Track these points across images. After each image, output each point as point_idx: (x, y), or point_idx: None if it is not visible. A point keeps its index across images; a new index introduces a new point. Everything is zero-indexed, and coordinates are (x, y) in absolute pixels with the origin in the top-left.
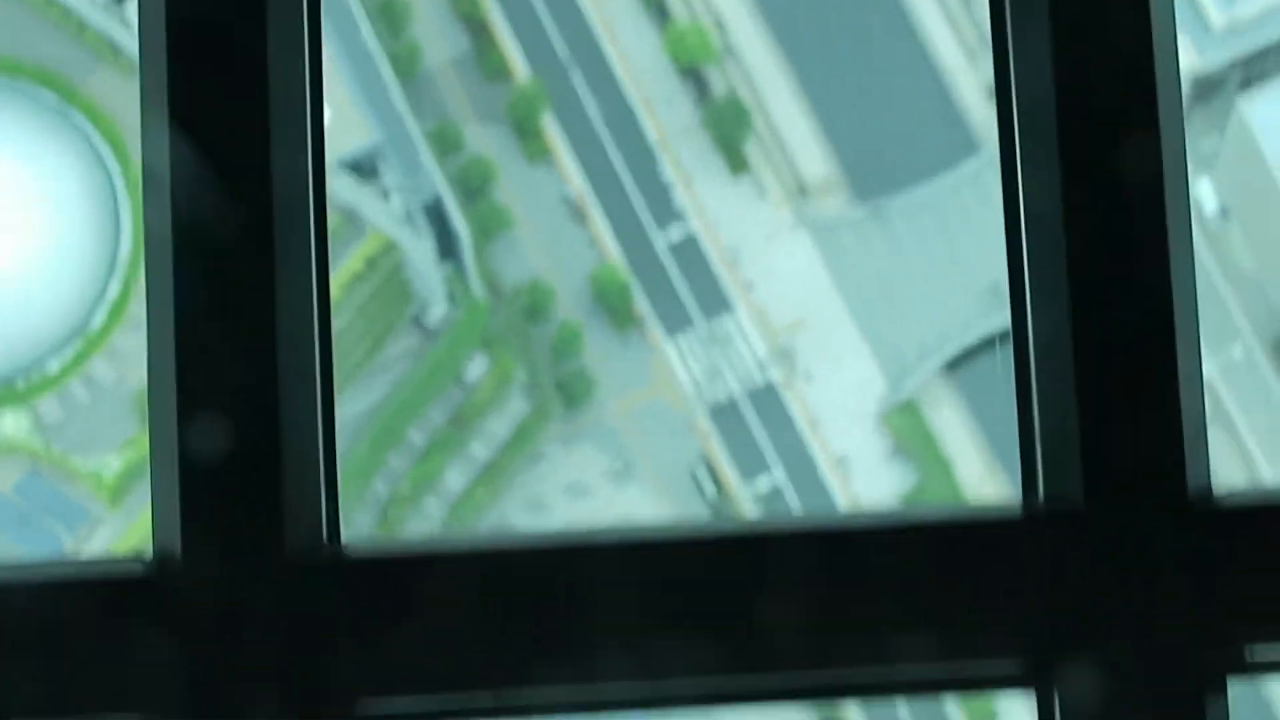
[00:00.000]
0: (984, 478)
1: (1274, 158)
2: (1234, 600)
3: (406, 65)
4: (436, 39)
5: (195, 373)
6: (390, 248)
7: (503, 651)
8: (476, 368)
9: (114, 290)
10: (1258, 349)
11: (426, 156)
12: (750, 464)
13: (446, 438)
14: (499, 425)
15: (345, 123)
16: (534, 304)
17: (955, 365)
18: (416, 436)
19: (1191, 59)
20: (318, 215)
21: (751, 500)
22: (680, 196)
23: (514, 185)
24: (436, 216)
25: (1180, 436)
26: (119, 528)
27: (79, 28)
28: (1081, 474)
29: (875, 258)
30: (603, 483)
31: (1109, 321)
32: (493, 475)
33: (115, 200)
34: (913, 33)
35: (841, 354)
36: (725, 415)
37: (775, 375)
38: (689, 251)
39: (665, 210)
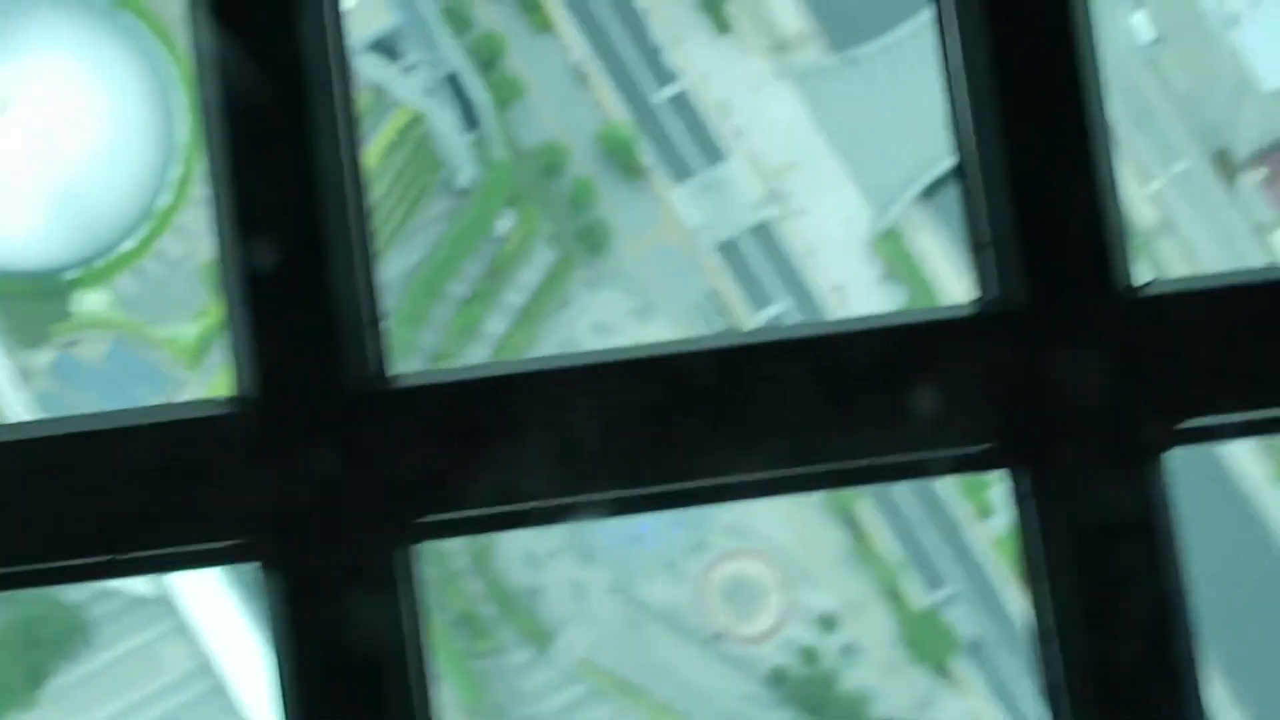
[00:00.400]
0: (965, 293)
1: None
2: (1163, 377)
3: None
4: None
5: (256, 236)
6: (418, 119)
7: (543, 465)
8: (505, 224)
9: (176, 172)
10: (1199, 162)
11: (442, 34)
12: (757, 296)
13: (484, 289)
14: (529, 274)
15: (368, 7)
16: (551, 163)
17: (930, 193)
18: (456, 289)
19: None
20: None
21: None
22: (671, 57)
23: (523, 56)
24: (456, 89)
25: (1106, 236)
26: (199, 389)
27: None
28: (1026, 274)
29: (852, 101)
30: (627, 321)
31: (1039, 142)
32: (527, 320)
33: (169, 90)
34: None
35: (829, 190)
36: (730, 252)
37: (771, 213)
38: (683, 106)
39: (659, 70)
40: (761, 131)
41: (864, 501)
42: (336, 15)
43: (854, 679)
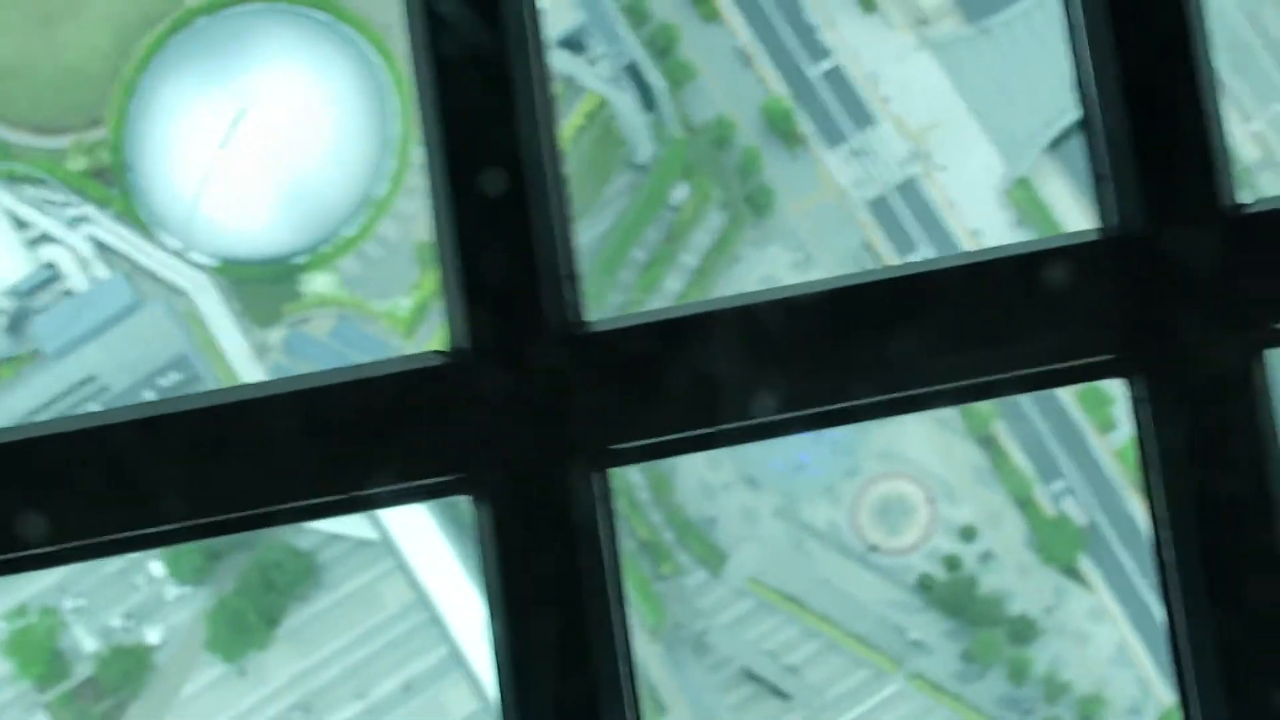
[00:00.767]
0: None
1: None
2: (1264, 286)
3: None
4: None
5: (467, 207)
6: (602, 104)
7: (718, 393)
8: (680, 193)
9: (392, 165)
10: None
11: (622, 28)
12: (903, 245)
13: (662, 252)
14: (702, 237)
15: (556, 8)
16: (720, 136)
17: (1057, 145)
18: (638, 255)
19: None
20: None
21: None
22: (824, 36)
23: (694, 43)
24: (636, 75)
25: (1212, 165)
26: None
27: None
28: (1141, 202)
29: (986, 66)
30: (790, 273)
31: (1152, 87)
32: (701, 278)
33: (385, 92)
34: None
35: (967, 147)
36: (880, 207)
37: (916, 170)
38: (836, 79)
39: (814, 48)
40: (906, 98)
41: (998, 423)
42: (534, 11)
43: (992, 583)
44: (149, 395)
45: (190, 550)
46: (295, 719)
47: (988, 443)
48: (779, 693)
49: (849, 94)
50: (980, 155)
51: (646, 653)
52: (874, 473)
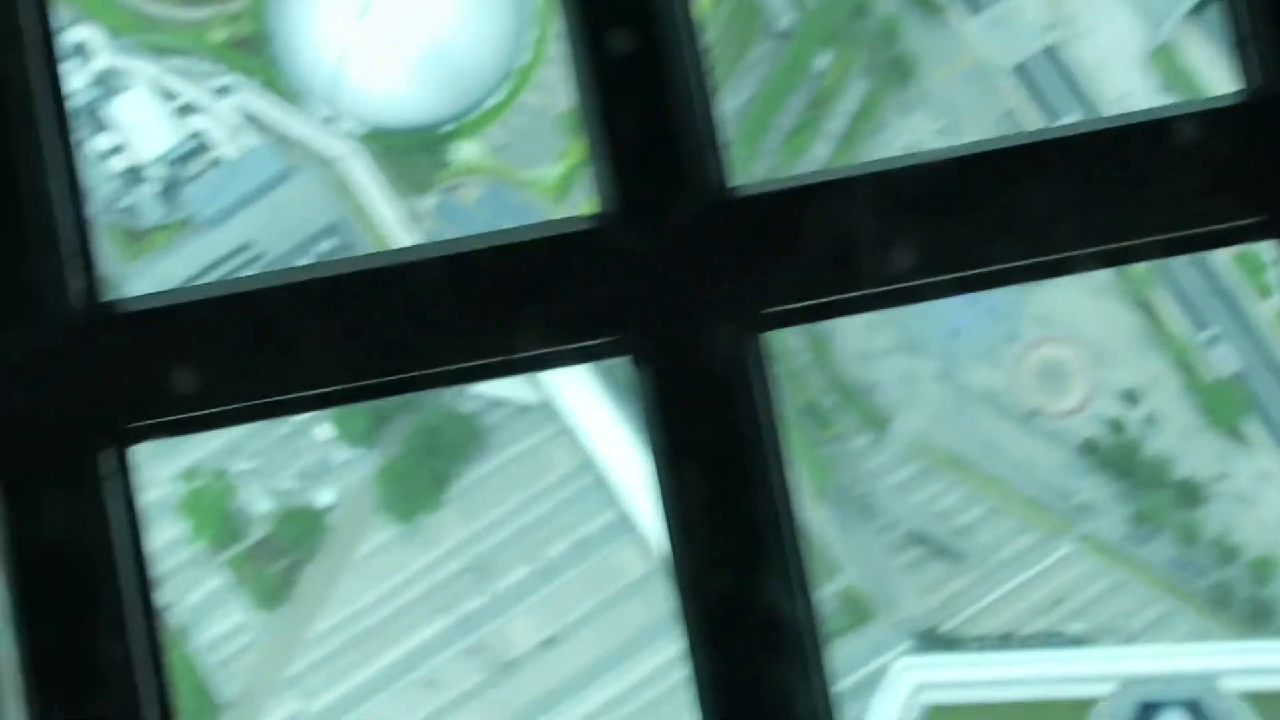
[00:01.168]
0: None
1: None
2: None
3: None
4: None
5: (611, 75)
6: None
7: (868, 254)
8: (823, 61)
9: (534, 33)
10: None
11: None
12: (1048, 111)
13: (807, 119)
14: (847, 104)
15: None
16: (860, 3)
17: (1198, 10)
18: (782, 121)
19: None
20: None
21: None
22: None
23: None
24: None
25: None
26: None
27: None
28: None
29: None
30: (935, 139)
31: None
32: (847, 144)
33: None
34: None
35: (1109, 12)
36: (1024, 73)
37: (1059, 35)
38: None
39: None
40: None
41: (1155, 288)
42: None
43: (1156, 445)
44: (305, 262)
45: (357, 413)
46: (467, 581)
47: (1145, 307)
48: (949, 554)
49: None
50: (1122, 21)
51: (814, 516)
52: (1033, 337)
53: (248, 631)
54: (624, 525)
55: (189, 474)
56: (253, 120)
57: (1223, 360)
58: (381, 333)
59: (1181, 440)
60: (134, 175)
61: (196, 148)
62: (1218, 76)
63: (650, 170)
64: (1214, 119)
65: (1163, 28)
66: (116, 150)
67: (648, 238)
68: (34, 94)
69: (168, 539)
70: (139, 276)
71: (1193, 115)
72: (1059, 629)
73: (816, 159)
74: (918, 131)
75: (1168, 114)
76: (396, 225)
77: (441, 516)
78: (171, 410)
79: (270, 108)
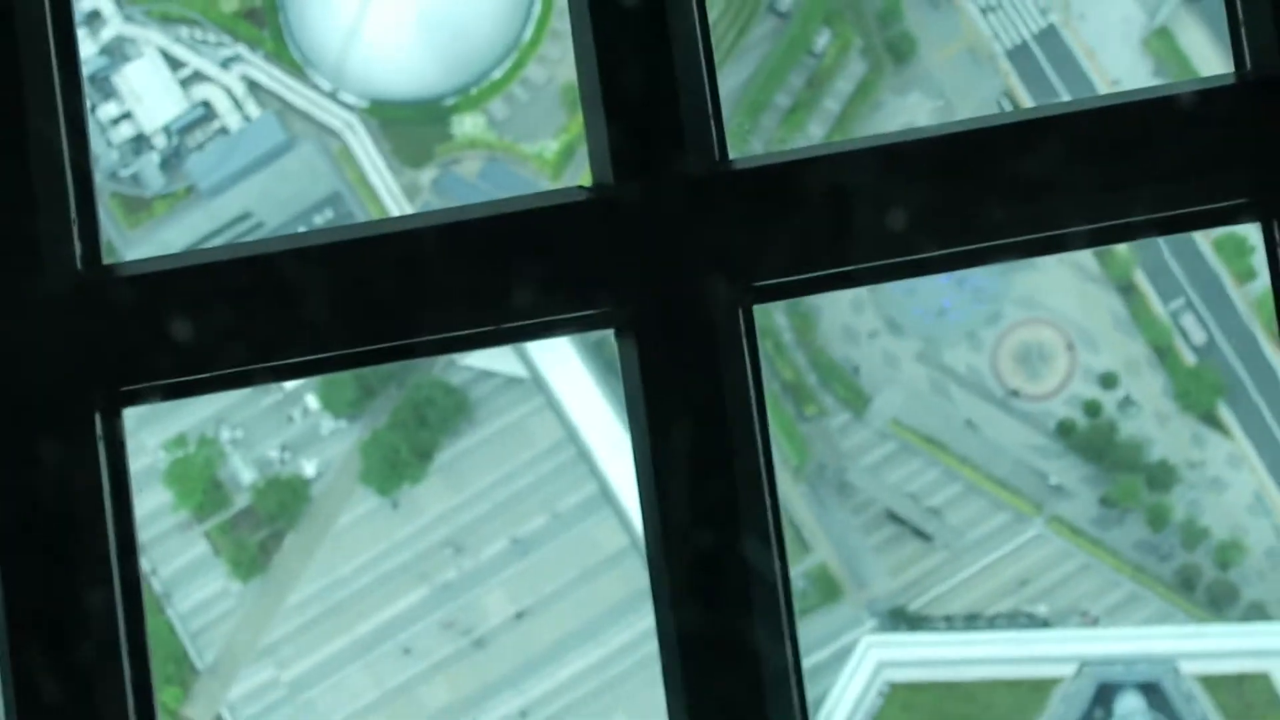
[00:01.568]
0: None
1: None
2: None
3: None
4: None
5: (611, 50)
6: None
7: (859, 228)
8: (822, 40)
9: (538, 9)
10: None
11: None
12: (1045, 93)
13: (805, 97)
14: (844, 84)
15: None
16: None
17: None
18: (781, 100)
19: None
20: None
21: None
22: None
23: None
24: None
25: None
26: None
27: None
28: (1278, 47)
29: None
30: (930, 120)
31: None
32: (844, 123)
33: None
34: None
35: None
36: (1020, 55)
37: (1056, 18)
38: None
39: None
40: None
41: (1138, 271)
42: None
43: (1132, 428)
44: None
45: (344, 384)
46: (446, 555)
47: (1127, 291)
48: (921, 534)
49: None
50: (1119, 4)
51: (791, 492)
52: (1015, 319)
53: (227, 599)
54: (603, 500)
55: (175, 442)
56: (258, 90)
57: (1195, 332)
58: (375, 299)
59: (1156, 424)
60: (139, 143)
61: (202, 117)
62: (1213, 61)
63: (646, 145)
64: (1207, 101)
65: (1159, 12)
66: (123, 118)
67: (641, 209)
68: (47, 63)
69: (153, 506)
70: (140, 244)
71: (1186, 96)
72: (1024, 610)
73: (813, 138)
74: (914, 111)
75: (1159, 94)
76: (396, 197)
77: (424, 488)
78: (165, 373)
79: (275, 79)
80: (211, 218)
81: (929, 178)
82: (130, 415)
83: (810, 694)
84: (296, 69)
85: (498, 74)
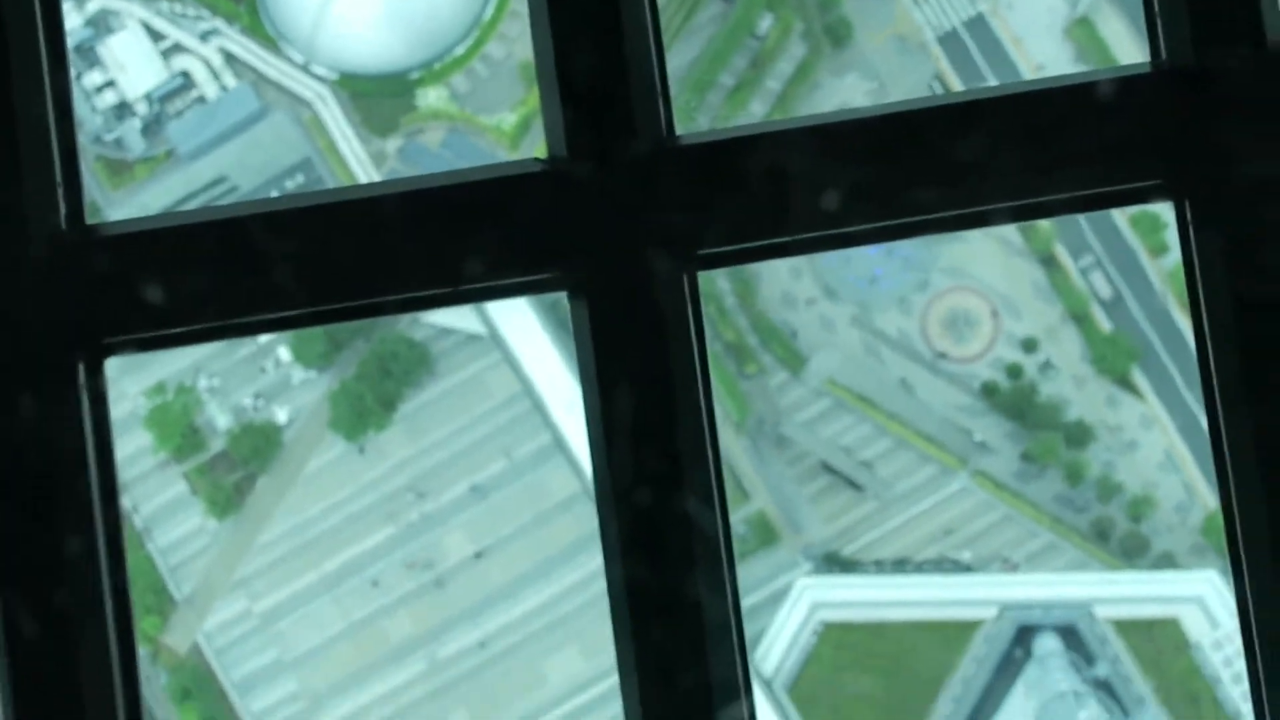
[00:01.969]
0: None
1: None
2: None
3: None
4: None
5: (566, 27)
6: None
7: (794, 204)
8: (765, 23)
9: None
10: None
11: None
12: (972, 77)
13: (748, 78)
14: (785, 65)
15: None
16: None
17: None
18: (725, 80)
19: None
20: None
21: None
22: None
23: None
24: None
25: (1258, 5)
26: None
27: None
28: (1190, 39)
29: None
30: (865, 101)
31: None
32: (784, 102)
33: None
34: None
35: None
36: (950, 41)
37: (984, 7)
38: None
39: None
40: None
41: (1058, 244)
42: None
43: (1051, 390)
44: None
45: (315, 338)
46: (409, 499)
47: (1048, 262)
48: (853, 484)
49: None
50: None
51: (733, 445)
52: (943, 286)
53: (203, 536)
54: (556, 449)
55: (155, 390)
56: (234, 62)
57: (1103, 288)
58: (338, 262)
59: (1074, 386)
60: (122, 110)
61: (181, 86)
62: (1130, 49)
63: (598, 119)
64: (1124, 89)
65: (1080, 2)
66: (107, 86)
67: (593, 180)
68: (32, 32)
69: (134, 449)
70: (122, 205)
71: (1105, 84)
72: (950, 556)
73: (755, 116)
74: (850, 92)
75: (1079, 80)
76: (363, 164)
77: (388, 435)
78: (144, 327)
79: (250, 51)
80: (189, 181)
81: (863, 155)
82: (112, 364)
83: (749, 632)
84: (270, 42)
85: (460, 50)
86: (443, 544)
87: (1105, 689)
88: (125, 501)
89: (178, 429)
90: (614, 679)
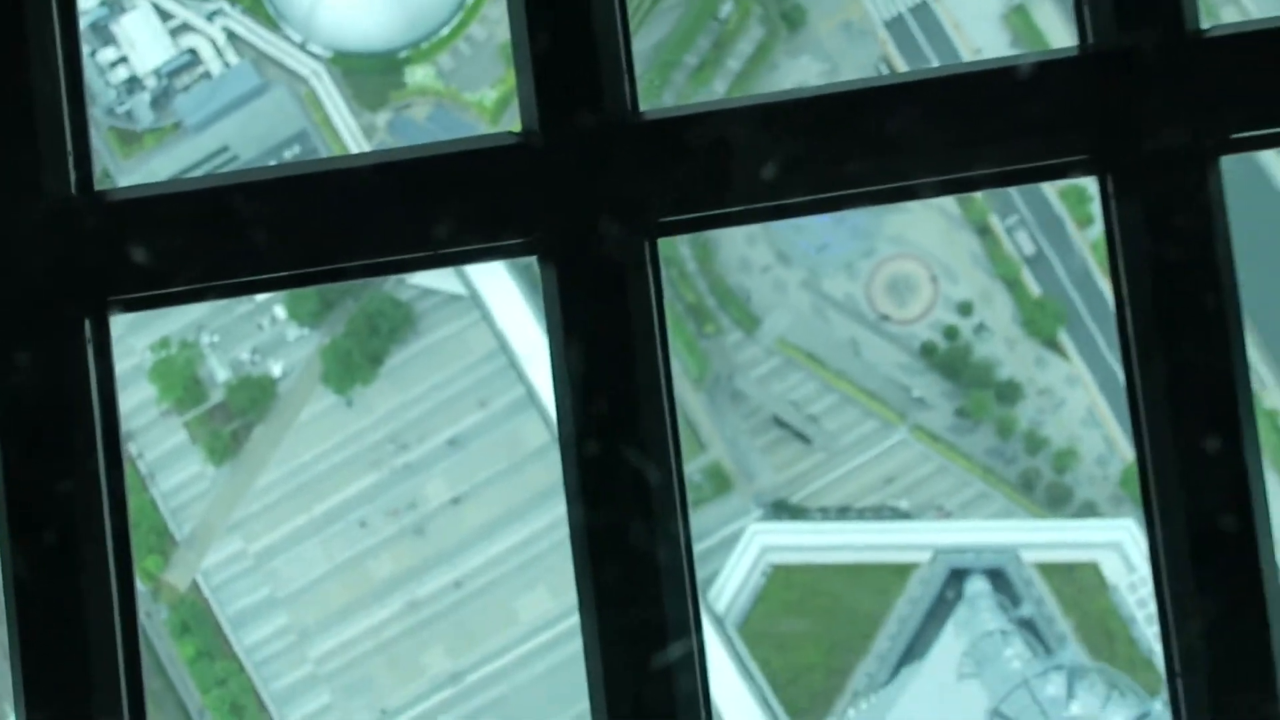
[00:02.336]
0: None
1: None
2: (1219, 101)
3: None
4: None
5: (540, 12)
6: None
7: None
8: (726, 8)
9: None
10: None
11: None
12: (914, 57)
13: (710, 58)
14: (745, 46)
15: None
16: None
17: None
18: (690, 60)
19: None
20: None
21: None
22: None
23: None
24: None
25: None
26: None
27: None
28: (1115, 25)
29: None
30: (818, 80)
31: None
32: (743, 81)
33: None
34: None
35: None
36: (896, 26)
37: None
38: None
39: None
40: None
41: (993, 215)
42: None
43: (984, 351)
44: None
45: (308, 297)
46: (393, 448)
47: (983, 231)
48: (802, 437)
49: None
50: None
51: (691, 399)
52: (886, 254)
53: (202, 481)
54: (529, 402)
55: (160, 344)
56: (237, 40)
57: (1026, 245)
58: (324, 227)
59: (1006, 347)
60: (133, 84)
61: (188, 62)
62: (1062, 34)
63: (569, 96)
64: (1052, 70)
65: None
66: (119, 62)
67: (561, 154)
68: (48, 16)
69: (139, 400)
70: (132, 172)
71: (1034, 66)
72: (889, 504)
73: (716, 94)
74: (805, 72)
75: (1012, 63)
76: (355, 136)
77: (375, 389)
78: (145, 286)
79: (252, 30)
80: (194, 150)
81: (811, 131)
82: (120, 321)
83: (703, 573)
84: (271, 23)
85: (445, 31)
86: (423, 490)
87: (1029, 628)
88: (131, 448)
89: (180, 381)
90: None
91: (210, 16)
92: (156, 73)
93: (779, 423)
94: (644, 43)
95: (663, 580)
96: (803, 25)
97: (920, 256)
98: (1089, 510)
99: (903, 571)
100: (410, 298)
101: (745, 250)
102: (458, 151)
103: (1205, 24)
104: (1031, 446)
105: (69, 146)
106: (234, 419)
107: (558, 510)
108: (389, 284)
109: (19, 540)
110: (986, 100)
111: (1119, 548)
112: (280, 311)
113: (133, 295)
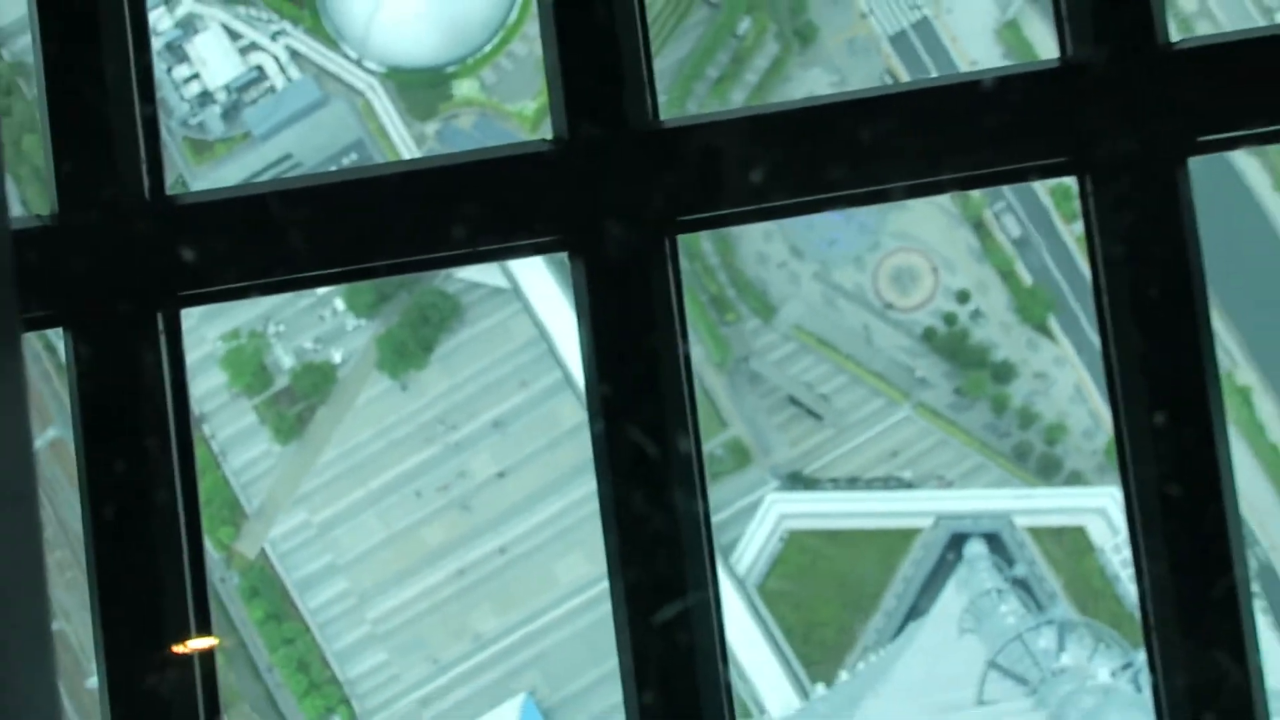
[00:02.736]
0: None
1: None
2: (1187, 107)
3: None
4: None
5: (568, 32)
6: None
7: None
8: (744, 25)
9: None
10: None
11: None
12: (917, 69)
13: (729, 71)
14: (761, 60)
15: None
16: None
17: None
18: (711, 72)
19: None
20: None
21: None
22: None
23: None
24: None
25: (1150, 10)
26: None
27: None
28: (1091, 38)
29: None
30: (829, 91)
31: None
32: (759, 91)
33: None
34: None
35: None
36: (900, 41)
37: (928, 11)
38: None
39: None
40: None
41: (987, 212)
42: None
43: (980, 335)
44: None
45: (365, 290)
46: (443, 427)
47: (979, 226)
48: (814, 414)
49: None
50: (980, 1)
51: (714, 381)
52: (891, 247)
53: (269, 459)
54: (565, 384)
55: (231, 335)
56: (299, 58)
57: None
58: (374, 229)
59: (1000, 331)
60: (205, 98)
61: (255, 78)
62: (1052, 47)
63: (597, 105)
64: (1034, 79)
65: (1009, 7)
66: (193, 78)
67: (591, 157)
68: (123, 40)
69: (211, 386)
70: (205, 178)
71: (1017, 76)
72: (894, 475)
73: (735, 104)
74: (816, 84)
75: (1000, 74)
76: (407, 144)
77: (426, 373)
78: (214, 281)
79: (313, 49)
80: (261, 158)
81: (817, 137)
82: (193, 313)
83: (725, 539)
84: (330, 41)
85: (489, 47)
86: (470, 465)
87: (1023, 586)
88: (204, 429)
89: (249, 368)
90: None
91: (275, 36)
92: (226, 87)
93: (793, 402)
94: (669, 58)
95: (685, 547)
96: (814, 41)
97: (922, 250)
98: (1076, 479)
99: (907, 536)
100: (457, 290)
101: (763, 245)
102: (496, 157)
103: (1175, 37)
104: (1024, 421)
105: (143, 155)
106: (298, 402)
107: (592, 484)
108: (438, 278)
109: (98, 512)
110: (981, 107)
111: (1104, 513)
112: (340, 304)
113: (199, 290)
